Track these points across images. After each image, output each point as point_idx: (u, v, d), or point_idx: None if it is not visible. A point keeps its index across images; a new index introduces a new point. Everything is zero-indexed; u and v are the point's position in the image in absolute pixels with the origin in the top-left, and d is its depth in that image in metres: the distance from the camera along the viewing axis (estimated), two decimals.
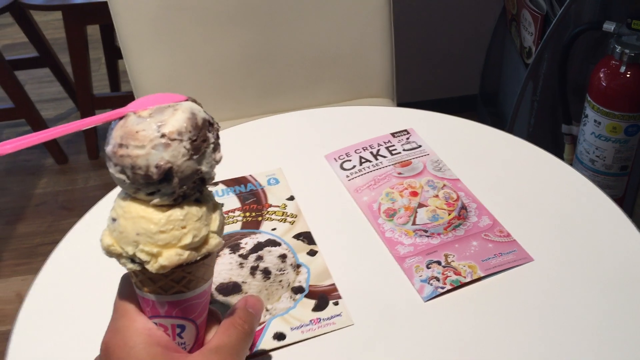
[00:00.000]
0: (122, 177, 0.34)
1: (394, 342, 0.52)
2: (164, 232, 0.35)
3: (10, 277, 1.60)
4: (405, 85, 1.30)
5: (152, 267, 0.35)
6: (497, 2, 1.76)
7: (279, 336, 0.53)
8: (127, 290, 0.39)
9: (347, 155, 0.72)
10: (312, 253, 0.61)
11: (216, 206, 0.39)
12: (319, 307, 0.55)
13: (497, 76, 1.87)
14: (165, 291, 0.37)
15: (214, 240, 0.37)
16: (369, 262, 0.60)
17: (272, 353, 0.52)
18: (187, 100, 0.37)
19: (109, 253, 0.37)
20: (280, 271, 0.59)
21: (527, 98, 1.59)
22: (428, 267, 0.57)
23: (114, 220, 0.36)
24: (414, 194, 0.65)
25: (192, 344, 0.40)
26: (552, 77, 1.49)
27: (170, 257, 0.35)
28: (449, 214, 0.62)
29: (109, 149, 0.35)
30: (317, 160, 0.72)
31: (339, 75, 1.21)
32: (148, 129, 0.34)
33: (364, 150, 0.72)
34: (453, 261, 0.58)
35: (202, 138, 0.35)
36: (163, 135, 0.34)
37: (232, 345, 0.39)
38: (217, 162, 0.37)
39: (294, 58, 1.18)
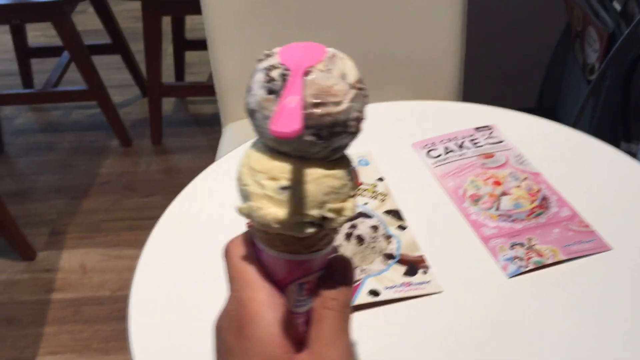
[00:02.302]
0: (312, 138, 0.32)
1: (480, 310, 0.57)
2: (345, 186, 0.34)
3: (75, 249, 1.69)
4: (465, 93, 1.35)
5: (336, 222, 0.34)
6: (561, 17, 1.79)
7: (374, 292, 0.58)
8: (244, 259, 0.37)
9: (433, 145, 0.77)
10: (402, 228, 0.66)
11: None
12: (409, 273, 0.61)
13: (556, 91, 1.90)
14: (308, 248, 0.36)
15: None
16: (454, 240, 0.65)
17: (368, 307, 0.58)
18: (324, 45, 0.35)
19: (283, 225, 0.33)
20: (372, 239, 0.64)
21: (587, 114, 1.61)
22: (512, 248, 0.62)
23: (284, 189, 0.33)
24: (498, 183, 0.70)
25: None
26: (614, 94, 1.51)
27: (352, 207, 0.34)
28: (531, 203, 0.67)
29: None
30: (404, 147, 0.78)
31: (407, 79, 1.26)
32: (339, 82, 0.32)
33: (449, 141, 0.77)
34: (536, 244, 0.62)
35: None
36: (352, 87, 0.32)
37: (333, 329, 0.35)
38: None
39: (366, 59, 1.24)
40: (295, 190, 0.32)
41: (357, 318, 0.57)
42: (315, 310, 0.36)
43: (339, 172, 0.34)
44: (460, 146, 0.76)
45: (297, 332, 0.36)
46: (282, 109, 0.30)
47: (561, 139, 0.79)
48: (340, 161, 0.34)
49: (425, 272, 0.61)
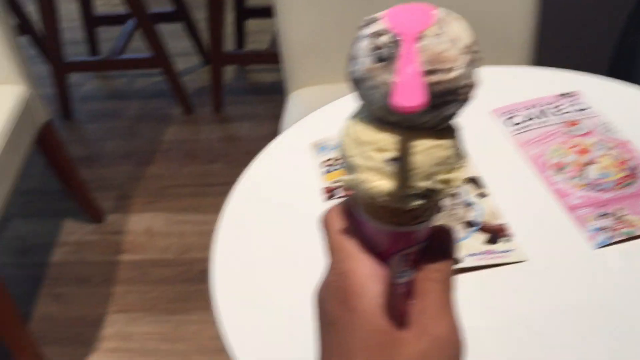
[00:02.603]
0: None
1: (565, 281, 0.56)
2: (453, 156, 0.32)
3: (141, 213, 1.74)
4: (535, 58, 1.31)
5: (444, 194, 0.33)
6: None
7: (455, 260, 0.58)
8: (344, 230, 0.36)
9: (513, 112, 0.75)
10: (482, 195, 0.65)
11: None
12: (490, 241, 0.60)
13: (630, 57, 1.81)
14: (413, 219, 0.35)
15: None
16: (537, 209, 0.63)
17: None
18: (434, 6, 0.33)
19: (390, 198, 0.32)
20: (452, 206, 0.63)
21: None
22: (599, 218, 0.60)
23: (392, 160, 0.32)
24: (583, 151, 0.67)
25: None
26: None
27: (460, 177, 0.33)
28: (620, 172, 0.65)
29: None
30: (483, 114, 0.76)
31: (481, 41, 1.23)
32: (450, 48, 0.30)
33: (531, 108, 0.75)
34: (625, 215, 0.60)
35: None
36: (464, 52, 0.30)
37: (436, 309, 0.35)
38: None
39: None
40: (404, 162, 0.32)
41: None
42: (418, 282, 0.35)
43: (447, 142, 0.32)
44: (543, 113, 0.73)
45: (399, 304, 0.35)
46: (403, 81, 0.29)
47: None
48: (447, 130, 0.33)
49: (507, 241, 0.60)
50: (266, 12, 2.06)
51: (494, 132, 0.73)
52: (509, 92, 0.78)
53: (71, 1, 2.36)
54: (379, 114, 0.32)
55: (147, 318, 1.45)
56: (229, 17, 2.36)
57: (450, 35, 0.31)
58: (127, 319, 1.46)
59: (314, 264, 0.60)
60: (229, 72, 2.28)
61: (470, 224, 0.62)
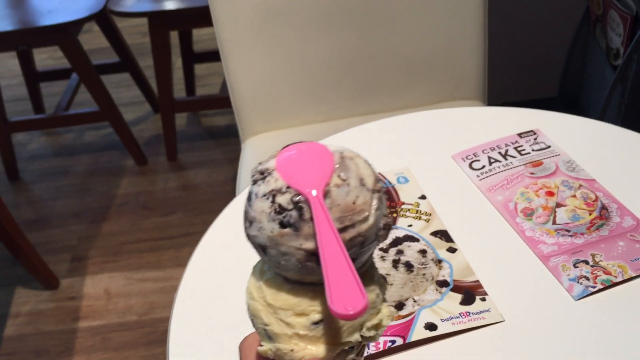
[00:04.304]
0: None
1: (547, 339, 0.53)
2: (378, 296, 0.30)
3: (98, 274, 1.66)
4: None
5: (377, 337, 0.30)
6: (579, 2, 1.73)
7: (430, 326, 0.54)
8: None
9: (475, 155, 0.72)
10: (452, 250, 0.61)
11: None
12: (466, 302, 0.56)
13: (578, 79, 1.84)
14: None
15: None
16: (511, 260, 0.60)
17: (425, 343, 0.53)
18: (324, 144, 0.31)
19: None
20: (422, 265, 0.60)
21: (614, 101, 1.55)
22: (575, 266, 0.57)
23: (317, 323, 0.29)
24: (550, 193, 0.65)
25: None
26: None
27: (388, 314, 0.31)
28: (590, 214, 0.62)
29: (308, 245, 0.27)
30: (444, 160, 0.73)
31: (430, 78, 1.22)
32: (360, 194, 0.28)
33: (492, 150, 0.72)
34: (601, 261, 0.57)
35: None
36: (374, 190, 0.28)
37: None
38: None
39: (387, 60, 1.20)
40: (330, 322, 0.29)
41: (414, 356, 0.53)
42: None
43: (370, 286, 0.30)
44: (505, 155, 0.71)
45: None
46: (336, 282, 0.26)
47: (612, 140, 0.74)
48: (366, 272, 0.30)
49: (483, 299, 0.56)
50: (215, 56, 2.02)
51: (458, 179, 0.70)
52: (467, 135, 0.76)
53: (11, 57, 2.28)
54: (294, 277, 0.29)
55: None
56: (177, 62, 2.32)
57: (355, 178, 0.28)
58: None
59: None
60: (182, 117, 2.23)
61: (443, 283, 0.58)
